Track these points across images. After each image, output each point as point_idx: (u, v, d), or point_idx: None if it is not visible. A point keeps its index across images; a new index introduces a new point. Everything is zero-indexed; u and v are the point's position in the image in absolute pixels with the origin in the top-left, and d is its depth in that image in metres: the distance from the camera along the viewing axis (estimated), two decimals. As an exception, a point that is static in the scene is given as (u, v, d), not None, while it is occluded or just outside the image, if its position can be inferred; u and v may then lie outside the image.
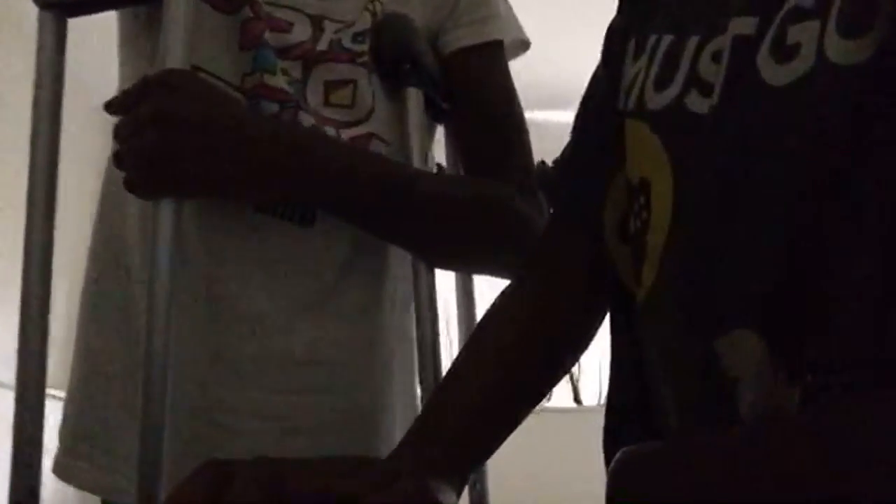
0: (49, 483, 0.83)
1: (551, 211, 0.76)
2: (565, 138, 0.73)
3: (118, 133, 0.73)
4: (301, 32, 0.83)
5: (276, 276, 0.82)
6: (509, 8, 0.96)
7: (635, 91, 0.60)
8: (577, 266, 0.70)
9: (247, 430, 0.81)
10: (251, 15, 0.81)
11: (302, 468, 0.53)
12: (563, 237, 0.72)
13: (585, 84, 0.73)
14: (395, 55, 0.86)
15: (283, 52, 0.82)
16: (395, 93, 0.87)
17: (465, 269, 0.95)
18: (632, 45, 0.63)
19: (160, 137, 0.70)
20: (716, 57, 0.53)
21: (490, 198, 0.86)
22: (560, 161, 0.74)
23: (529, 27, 0.98)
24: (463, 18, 0.90)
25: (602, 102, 0.67)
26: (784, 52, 0.48)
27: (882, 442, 0.38)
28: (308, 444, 0.81)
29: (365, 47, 0.85)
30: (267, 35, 0.81)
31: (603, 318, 0.71)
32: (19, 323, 0.72)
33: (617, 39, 0.67)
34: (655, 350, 0.56)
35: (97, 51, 0.89)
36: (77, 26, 0.78)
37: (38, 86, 0.75)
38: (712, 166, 0.51)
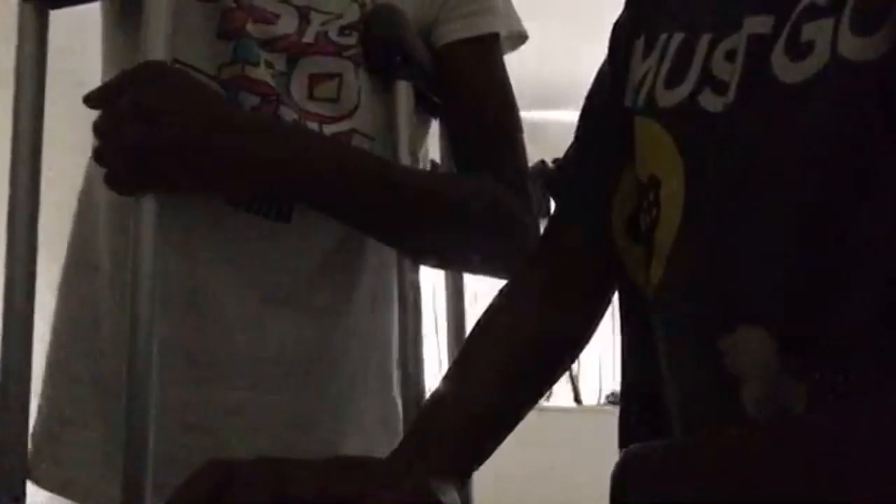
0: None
1: (553, 209, 0.76)
2: (561, 137, 0.73)
3: (97, 128, 0.72)
4: (287, 24, 0.82)
5: (249, 272, 0.82)
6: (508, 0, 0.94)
7: (645, 89, 0.60)
8: (578, 265, 0.70)
9: (214, 429, 0.80)
10: (233, 5, 0.80)
11: (303, 469, 0.53)
12: (566, 236, 0.72)
13: (582, 83, 0.73)
14: (385, 48, 0.84)
15: (268, 43, 0.81)
16: (382, 87, 0.85)
17: (454, 268, 0.95)
18: (640, 43, 0.63)
19: (139, 132, 0.69)
20: (729, 55, 0.53)
21: (481, 196, 0.85)
22: (564, 159, 0.74)
23: (525, 25, 0.97)
24: (457, 10, 0.88)
25: (607, 100, 0.67)
26: (798, 50, 0.48)
27: (888, 443, 0.38)
28: (273, 442, 0.81)
29: (352, 40, 0.84)
30: (251, 26, 0.80)
31: (602, 317, 0.72)
32: (2, 324, 0.71)
33: (623, 36, 0.67)
34: (661, 347, 0.56)
35: (97, 48, 0.88)
36: (79, 24, 0.77)
37: (19, 80, 0.73)
38: (726, 164, 0.52)
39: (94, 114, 0.73)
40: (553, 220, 0.75)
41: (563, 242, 0.72)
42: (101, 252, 0.84)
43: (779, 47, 0.49)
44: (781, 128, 0.49)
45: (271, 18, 0.82)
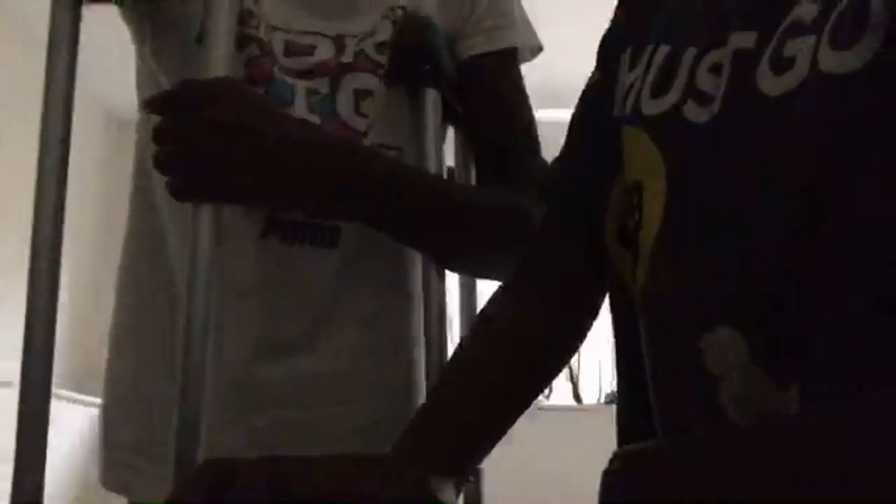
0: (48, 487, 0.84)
1: (547, 210, 0.76)
2: (559, 136, 0.73)
3: (163, 136, 0.72)
4: (324, 52, 0.84)
5: (300, 298, 0.83)
6: (524, 12, 0.96)
7: (631, 98, 0.61)
8: (570, 268, 0.70)
9: (270, 447, 0.81)
10: (258, 52, 0.82)
11: (304, 467, 0.53)
12: (557, 240, 0.72)
13: (579, 82, 0.73)
14: (415, 57, 0.86)
15: (307, 73, 0.83)
16: (405, 99, 0.87)
17: (481, 275, 0.96)
18: (627, 56, 0.64)
19: (216, 145, 0.70)
20: (714, 69, 0.54)
21: (508, 206, 0.87)
22: (555, 164, 0.74)
23: (532, 25, 0.98)
24: (480, 24, 0.90)
25: (597, 110, 0.68)
26: (781, 65, 0.49)
27: (886, 444, 0.38)
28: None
29: (386, 58, 0.86)
30: (287, 61, 0.82)
31: (595, 317, 0.72)
32: (25, 323, 0.70)
33: (612, 46, 0.68)
34: (645, 348, 0.57)
35: (103, 52, 0.87)
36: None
37: (49, 82, 0.71)
38: (707, 171, 0.52)
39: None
40: (545, 224, 0.75)
41: (557, 247, 0.72)
42: (177, 278, 0.84)
43: (763, 62, 0.51)
44: (762, 136, 0.49)
45: (308, 50, 0.84)
